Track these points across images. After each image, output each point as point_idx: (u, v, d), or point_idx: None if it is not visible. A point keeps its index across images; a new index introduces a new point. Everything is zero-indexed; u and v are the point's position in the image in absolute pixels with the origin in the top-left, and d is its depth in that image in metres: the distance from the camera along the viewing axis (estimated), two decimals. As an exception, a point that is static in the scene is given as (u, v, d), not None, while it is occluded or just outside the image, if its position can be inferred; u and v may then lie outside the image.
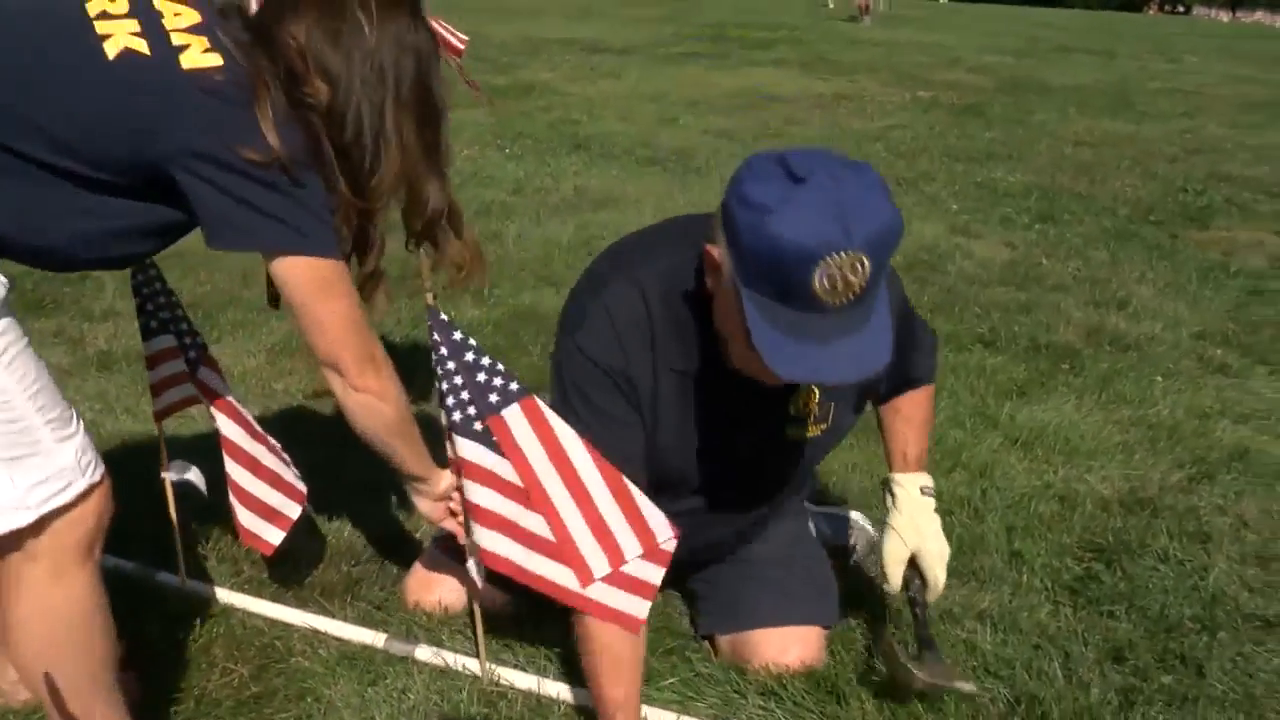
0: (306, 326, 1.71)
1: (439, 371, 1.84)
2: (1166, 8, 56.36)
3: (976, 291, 4.60)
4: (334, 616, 2.26)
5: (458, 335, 1.84)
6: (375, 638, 2.17)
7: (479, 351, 1.84)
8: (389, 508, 2.70)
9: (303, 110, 1.60)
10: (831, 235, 1.42)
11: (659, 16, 18.07)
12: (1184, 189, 6.90)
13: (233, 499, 2.14)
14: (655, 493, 1.83)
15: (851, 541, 2.52)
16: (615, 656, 1.82)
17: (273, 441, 2.17)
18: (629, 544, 1.80)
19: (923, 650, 1.99)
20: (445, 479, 1.98)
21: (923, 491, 2.04)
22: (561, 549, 1.80)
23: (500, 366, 1.83)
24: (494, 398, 1.81)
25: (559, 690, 2.03)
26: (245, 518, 2.15)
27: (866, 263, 1.44)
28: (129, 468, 2.48)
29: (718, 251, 1.58)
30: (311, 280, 1.66)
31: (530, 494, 1.81)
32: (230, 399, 2.14)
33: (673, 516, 1.82)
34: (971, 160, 7.49)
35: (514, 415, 1.80)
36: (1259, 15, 45.14)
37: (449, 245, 1.88)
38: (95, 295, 4.08)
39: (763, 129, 8.21)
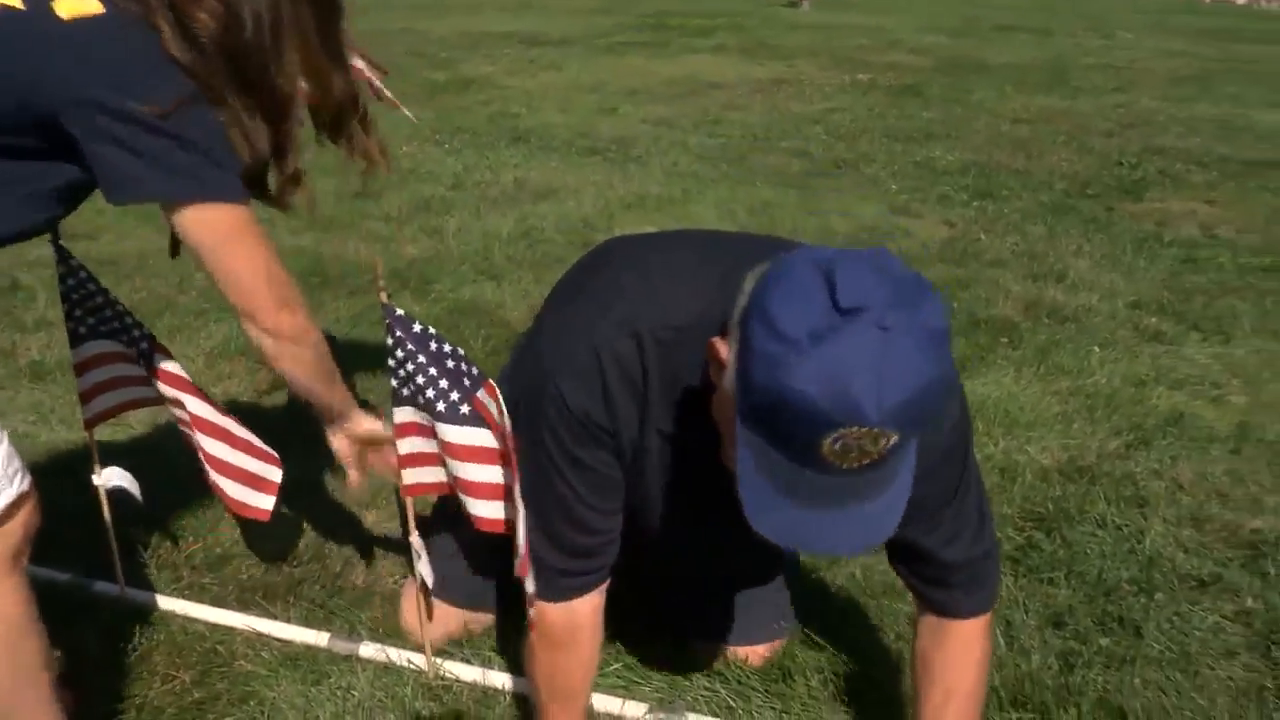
0: (217, 275, 1.68)
1: (409, 367, 1.84)
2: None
3: (917, 270, 4.63)
4: (276, 618, 2.24)
5: (418, 327, 1.84)
6: (319, 637, 2.16)
7: (441, 340, 1.84)
8: (330, 506, 2.68)
9: (195, 42, 1.56)
10: (860, 407, 1.15)
11: (598, 7, 17.98)
12: (1119, 162, 6.98)
13: (213, 474, 2.11)
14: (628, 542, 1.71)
15: None
16: (566, 685, 1.75)
17: (235, 417, 2.16)
18: None
19: None
20: (366, 421, 1.96)
21: None
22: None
23: (461, 351, 1.84)
24: (468, 381, 1.82)
25: (504, 681, 2.03)
26: (232, 489, 2.11)
27: (894, 437, 1.18)
28: (64, 478, 2.47)
29: (725, 350, 1.32)
30: (216, 228, 1.63)
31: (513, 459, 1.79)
32: (187, 378, 2.13)
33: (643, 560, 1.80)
34: (910, 140, 7.53)
35: (484, 396, 1.80)
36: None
37: (358, 137, 1.87)
38: (27, 306, 4.01)
39: (702, 116, 8.21)
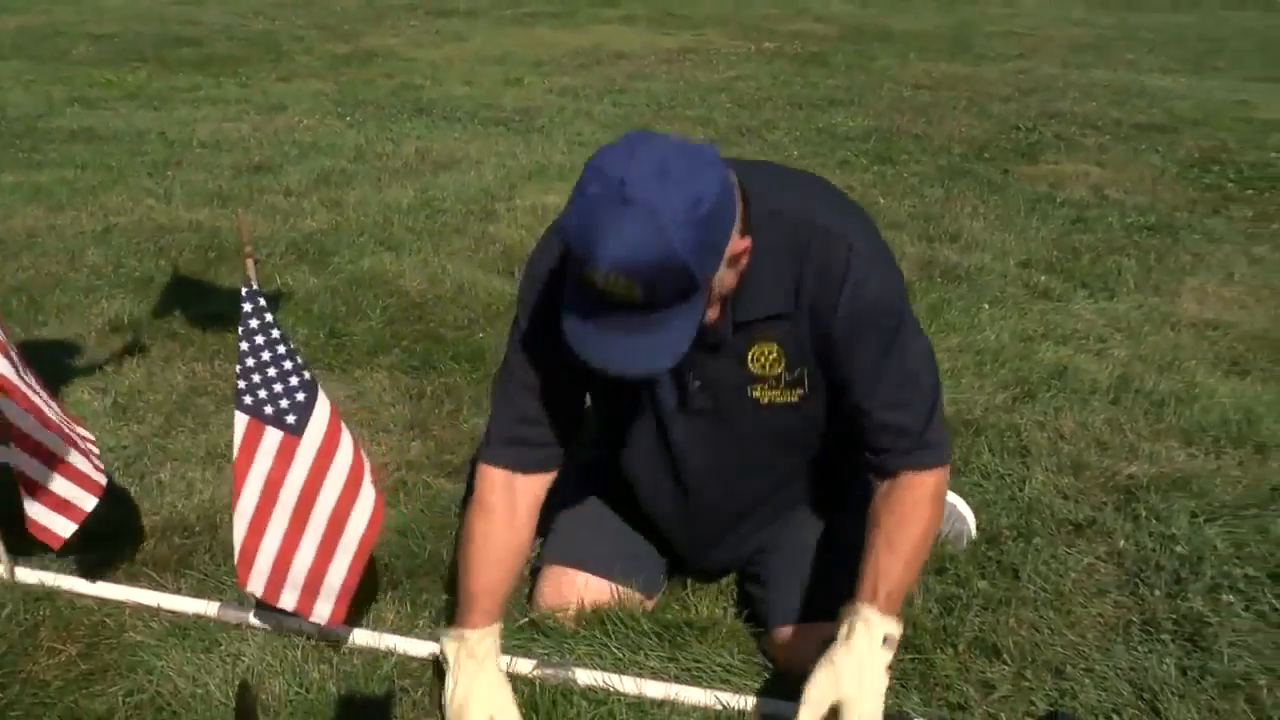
0: None
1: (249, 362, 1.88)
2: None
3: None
4: (166, 590, 2.23)
5: (268, 317, 1.86)
6: (208, 607, 2.15)
7: (286, 340, 1.89)
8: (220, 478, 2.66)
9: None
10: (593, 250, 1.44)
11: (506, -22, 17.85)
12: (1016, 127, 7.11)
13: (21, 490, 2.07)
14: (627, 436, 1.94)
15: (945, 527, 2.39)
16: (487, 535, 1.87)
17: (78, 431, 2.12)
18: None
19: None
20: None
21: (885, 641, 1.68)
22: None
23: (301, 360, 1.91)
24: (300, 394, 1.91)
25: (394, 643, 2.04)
26: (34, 509, 2.07)
27: (633, 283, 1.44)
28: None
29: None
30: None
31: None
32: (19, 383, 2.04)
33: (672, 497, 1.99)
34: (813, 107, 7.60)
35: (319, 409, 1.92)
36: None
37: None
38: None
39: (608, 85, 8.20)
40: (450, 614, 2.13)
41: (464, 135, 6.53)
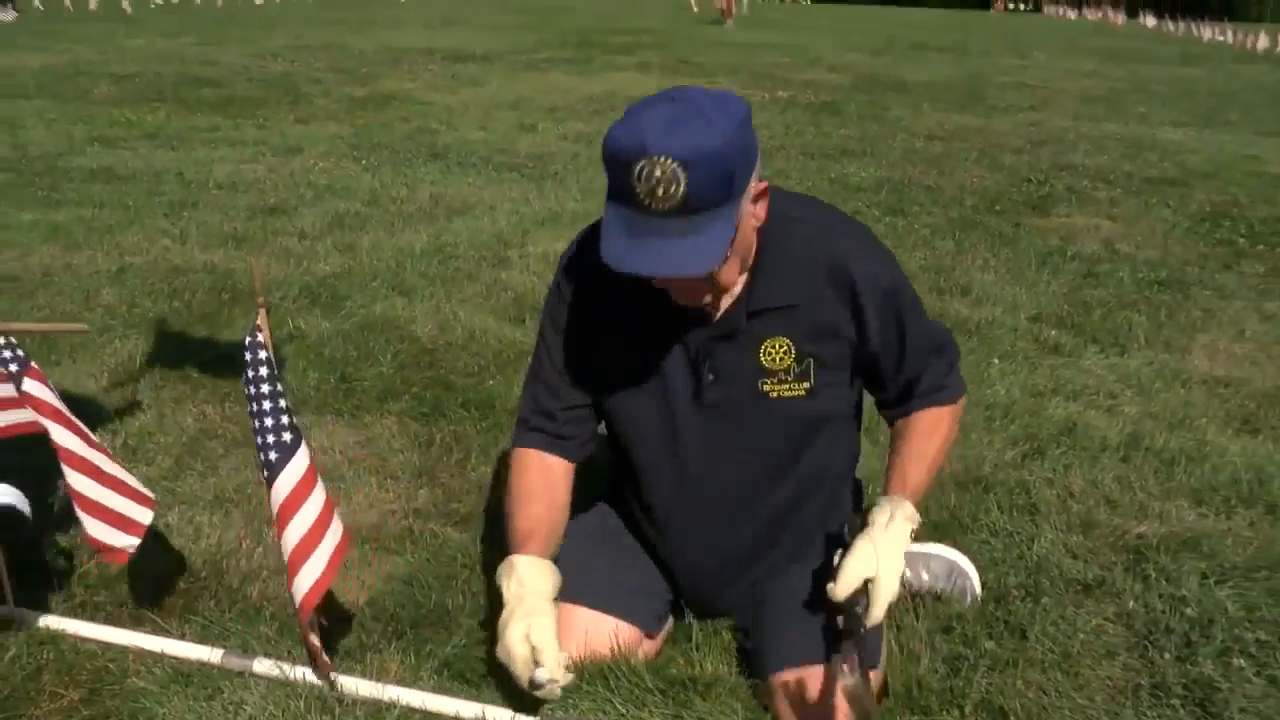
0: None
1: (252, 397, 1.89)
2: (1012, 5, 58.31)
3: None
4: (169, 635, 2.22)
5: (264, 370, 1.87)
6: (211, 653, 2.14)
7: (276, 395, 1.90)
8: (227, 522, 2.66)
9: None
10: (645, 140, 1.60)
11: (522, 24, 18.05)
12: (1028, 179, 7.16)
13: (78, 510, 2.07)
14: (639, 435, 2.04)
15: (947, 585, 2.40)
16: (527, 489, 2.04)
17: (110, 453, 2.13)
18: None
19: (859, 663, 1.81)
20: None
21: (906, 519, 1.92)
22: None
23: (284, 408, 1.91)
24: (286, 436, 1.92)
25: (397, 695, 2.03)
26: (94, 528, 2.07)
27: (679, 170, 1.60)
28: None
29: None
30: None
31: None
32: (62, 408, 2.08)
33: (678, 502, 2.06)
34: (826, 157, 7.65)
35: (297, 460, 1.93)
36: (1103, 13, 47.06)
37: None
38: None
39: (622, 133, 8.28)
40: (456, 667, 2.13)
41: (478, 180, 6.59)
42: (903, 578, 1.90)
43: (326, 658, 2.05)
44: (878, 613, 1.84)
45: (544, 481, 2.06)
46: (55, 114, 8.54)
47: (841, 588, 1.83)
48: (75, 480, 2.07)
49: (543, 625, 1.85)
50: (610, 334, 2.00)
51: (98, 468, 2.08)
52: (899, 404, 2.07)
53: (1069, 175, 7.28)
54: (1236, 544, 2.66)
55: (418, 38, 15.67)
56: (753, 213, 1.80)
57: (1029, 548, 2.63)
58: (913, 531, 1.92)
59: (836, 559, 1.92)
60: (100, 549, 2.10)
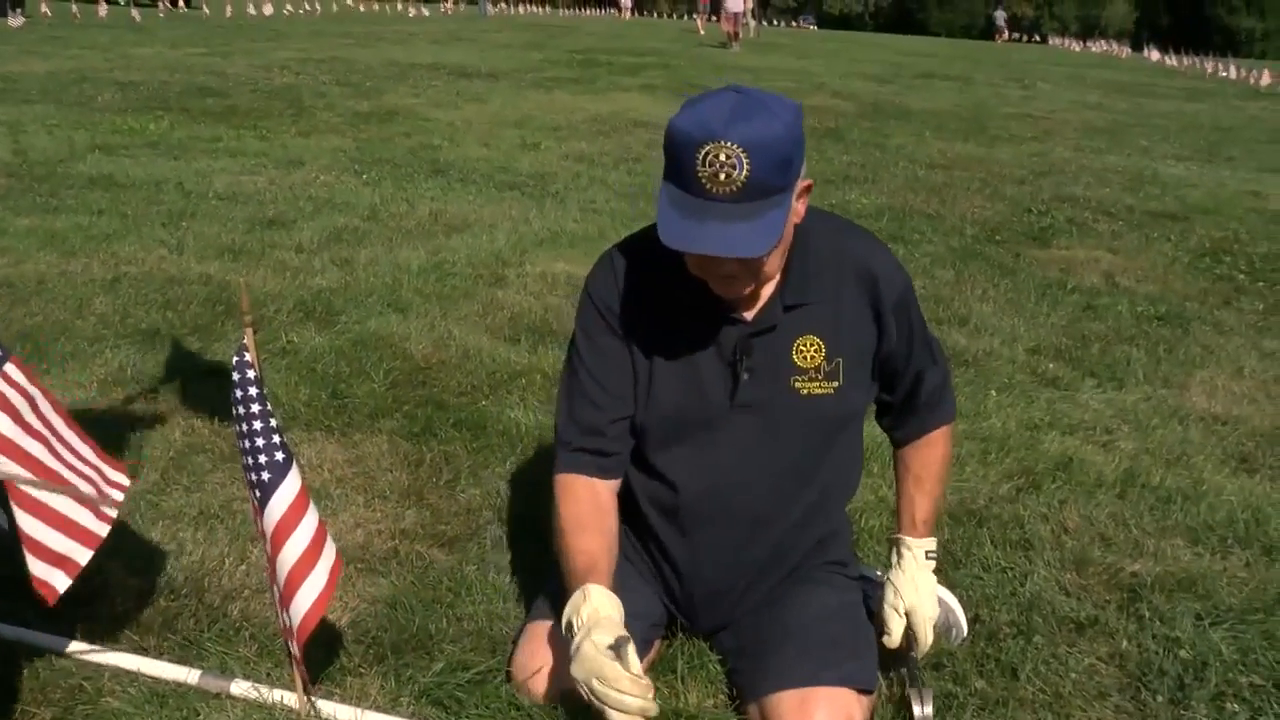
0: None
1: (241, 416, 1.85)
2: (1016, 36, 58.62)
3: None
4: (148, 654, 2.19)
5: (253, 390, 1.84)
6: (189, 674, 2.11)
7: (266, 415, 1.86)
8: (211, 539, 2.63)
9: None
10: (712, 127, 1.69)
11: (528, 43, 18.11)
12: (1029, 210, 7.15)
13: (24, 548, 2.02)
14: (670, 438, 2.05)
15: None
16: (581, 518, 2.02)
17: (106, 473, 2.08)
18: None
19: (922, 695, 2.06)
20: None
21: (927, 556, 2.15)
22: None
23: (275, 427, 1.87)
24: (279, 455, 1.88)
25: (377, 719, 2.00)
26: (36, 567, 2.00)
27: (743, 156, 1.68)
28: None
29: None
30: None
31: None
32: (16, 437, 1.98)
33: (698, 499, 2.06)
34: (828, 183, 7.65)
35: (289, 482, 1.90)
36: (1108, 45, 47.26)
37: None
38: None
39: (624, 153, 8.27)
40: (436, 694, 2.09)
41: (478, 198, 6.58)
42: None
43: (307, 684, 2.02)
44: (923, 637, 2.10)
45: (595, 509, 2.04)
46: (58, 120, 8.54)
47: (894, 631, 2.11)
48: (22, 519, 1.99)
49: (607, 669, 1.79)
50: (646, 340, 2.03)
51: (42, 503, 1.95)
52: (902, 414, 2.19)
53: (1070, 207, 7.27)
54: (1232, 585, 2.63)
55: (424, 53, 15.71)
56: (795, 209, 1.86)
57: (1022, 584, 2.60)
58: (932, 555, 2.15)
59: (875, 575, 2.21)
60: (40, 585, 1.98)
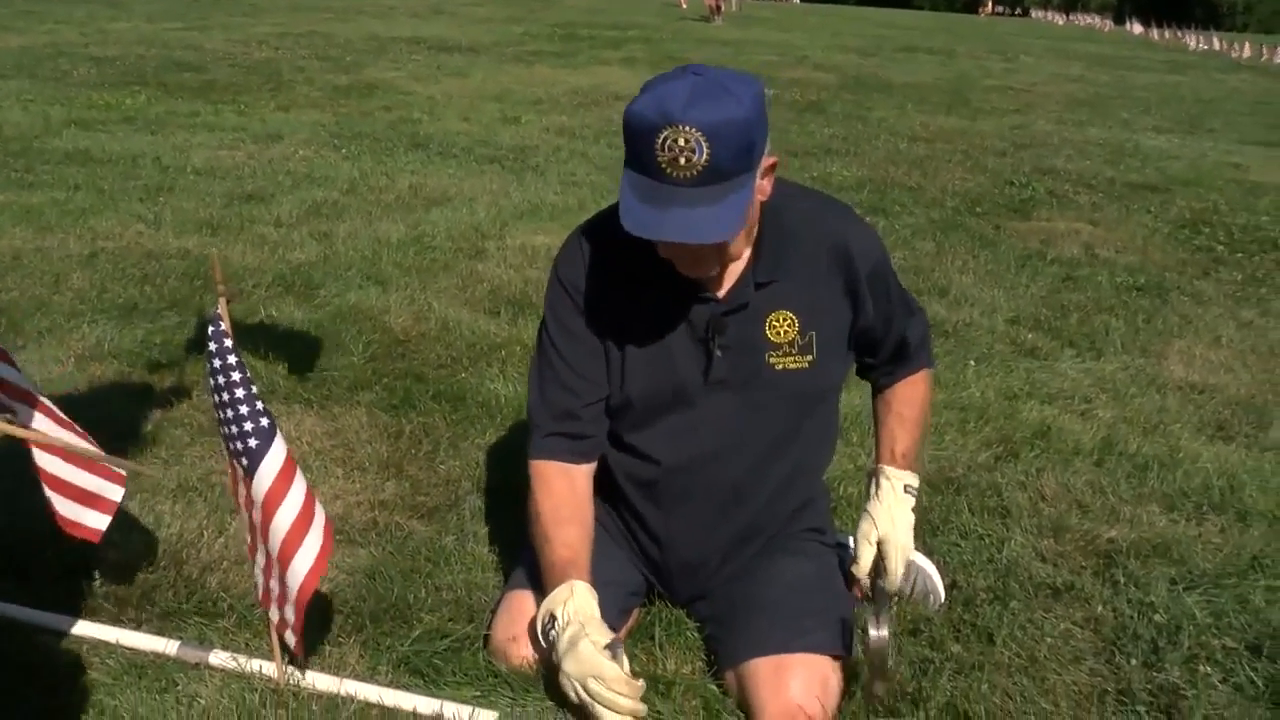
0: None
1: (220, 386, 1.84)
2: (999, 9, 58.56)
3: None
4: (126, 626, 2.18)
5: (232, 359, 1.83)
6: (167, 645, 2.11)
7: (248, 383, 1.85)
8: (189, 512, 2.62)
9: None
10: (670, 111, 1.66)
11: (509, 16, 17.99)
12: (1010, 182, 7.15)
13: (46, 490, 2.03)
14: (645, 417, 2.04)
15: (905, 585, 2.36)
16: (559, 509, 2.02)
17: (81, 431, 2.09)
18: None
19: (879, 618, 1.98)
20: None
21: (906, 489, 2.10)
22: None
23: (257, 399, 1.86)
24: (263, 423, 1.87)
25: (354, 689, 2.00)
26: (63, 506, 2.04)
27: (702, 140, 1.66)
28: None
29: None
30: None
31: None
32: (29, 389, 2.03)
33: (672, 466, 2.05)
34: (809, 155, 7.64)
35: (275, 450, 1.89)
36: (1091, 18, 47.22)
37: None
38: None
39: (605, 126, 8.23)
40: (414, 663, 2.09)
41: (459, 172, 6.55)
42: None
43: (303, 649, 2.02)
44: (893, 567, 2.03)
45: (573, 499, 2.04)
46: (33, 95, 8.45)
47: (862, 558, 2.04)
48: (43, 460, 2.03)
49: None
50: (617, 321, 2.01)
51: (65, 445, 2.04)
52: (889, 365, 2.18)
53: (1051, 179, 7.28)
54: (1206, 550, 2.65)
55: (404, 27, 15.59)
56: (761, 187, 1.84)
57: (999, 551, 2.61)
58: (911, 489, 2.10)
59: (851, 541, 2.12)
60: (70, 528, 2.06)
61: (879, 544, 2.04)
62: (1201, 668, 2.18)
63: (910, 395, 2.19)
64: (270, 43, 12.41)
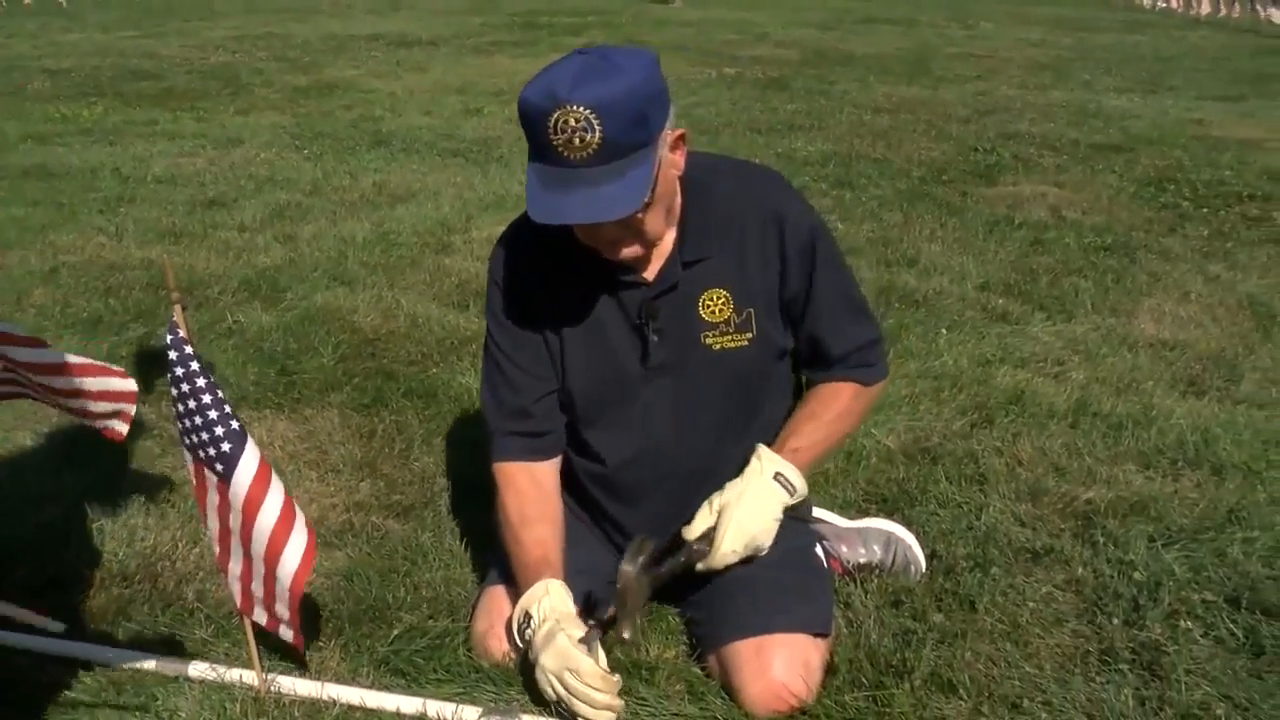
0: None
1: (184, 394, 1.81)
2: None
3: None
4: (103, 642, 2.16)
5: (195, 365, 1.80)
6: (145, 660, 2.09)
7: (213, 387, 1.82)
8: (162, 524, 2.60)
9: None
10: (557, 93, 1.65)
11: (468, 8, 17.85)
12: (975, 148, 7.14)
13: (64, 403, 2.07)
14: (590, 412, 2.06)
15: (886, 556, 2.39)
16: (525, 510, 2.03)
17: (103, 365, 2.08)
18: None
19: (650, 567, 1.90)
20: None
21: (777, 477, 1.99)
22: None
23: (224, 402, 1.84)
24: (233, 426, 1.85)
25: (336, 693, 1.99)
26: (95, 406, 2.05)
27: (592, 118, 1.65)
28: None
29: None
30: None
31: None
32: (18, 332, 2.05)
33: (628, 464, 2.07)
34: (773, 132, 7.61)
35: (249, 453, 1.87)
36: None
37: None
38: None
39: (569, 114, 8.19)
40: (395, 663, 2.08)
41: (422, 167, 6.50)
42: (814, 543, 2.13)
43: (302, 646, 2.01)
44: (721, 540, 1.94)
45: (539, 497, 2.05)
46: (-12, 112, 8.34)
47: (696, 521, 1.97)
48: (54, 382, 2.04)
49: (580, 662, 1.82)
50: (552, 315, 2.02)
51: (69, 366, 2.03)
52: (812, 365, 2.12)
53: (1016, 144, 7.27)
54: (1183, 506, 2.66)
55: (362, 24, 15.45)
56: (671, 161, 1.82)
57: (977, 518, 2.62)
58: (785, 481, 1.98)
59: (827, 515, 2.17)
60: (102, 427, 2.09)
61: (719, 513, 1.96)
62: (1182, 623, 2.19)
63: (832, 398, 2.09)
64: (227, 46, 12.27)
